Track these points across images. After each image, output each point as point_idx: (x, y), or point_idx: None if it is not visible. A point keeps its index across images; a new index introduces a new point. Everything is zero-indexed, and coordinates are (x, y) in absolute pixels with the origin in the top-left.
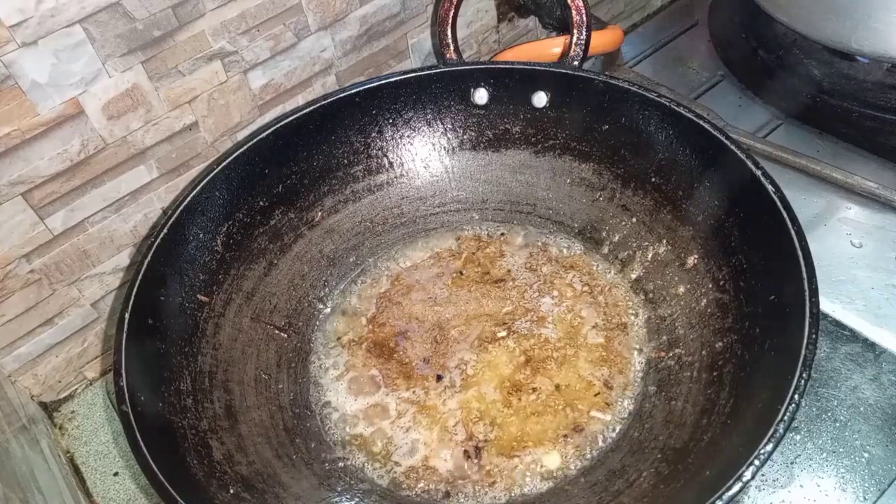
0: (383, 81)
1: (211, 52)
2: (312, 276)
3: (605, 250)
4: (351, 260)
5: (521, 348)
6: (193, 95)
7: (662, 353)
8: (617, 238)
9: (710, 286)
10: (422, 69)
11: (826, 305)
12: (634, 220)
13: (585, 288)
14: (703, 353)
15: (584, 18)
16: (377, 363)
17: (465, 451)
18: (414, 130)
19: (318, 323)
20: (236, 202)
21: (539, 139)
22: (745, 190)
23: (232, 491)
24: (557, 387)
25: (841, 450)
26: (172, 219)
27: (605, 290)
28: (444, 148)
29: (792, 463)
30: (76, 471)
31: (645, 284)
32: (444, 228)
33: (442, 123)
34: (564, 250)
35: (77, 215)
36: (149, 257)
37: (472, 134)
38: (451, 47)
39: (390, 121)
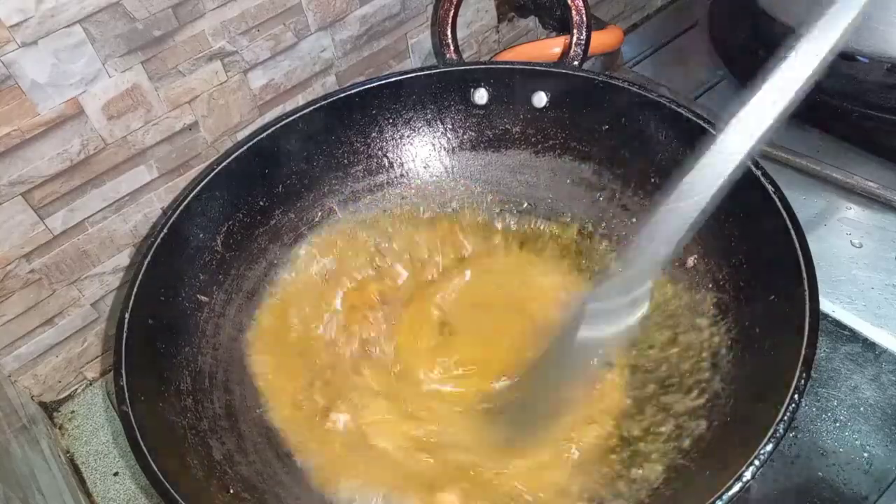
0: (383, 81)
1: (211, 52)
2: None
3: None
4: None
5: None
6: (193, 95)
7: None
8: (617, 238)
9: (710, 286)
10: (422, 69)
11: (826, 305)
12: (634, 220)
13: None
14: (704, 353)
15: (584, 18)
16: (377, 362)
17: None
18: (414, 130)
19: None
20: (236, 202)
21: (539, 139)
22: (745, 190)
23: (232, 491)
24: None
25: (841, 450)
26: (172, 219)
27: None
28: (444, 148)
29: (792, 463)
30: (76, 471)
31: None
32: (444, 229)
33: (442, 123)
34: None
35: (77, 215)
36: (149, 257)
37: (472, 134)
38: (451, 47)
39: (390, 121)
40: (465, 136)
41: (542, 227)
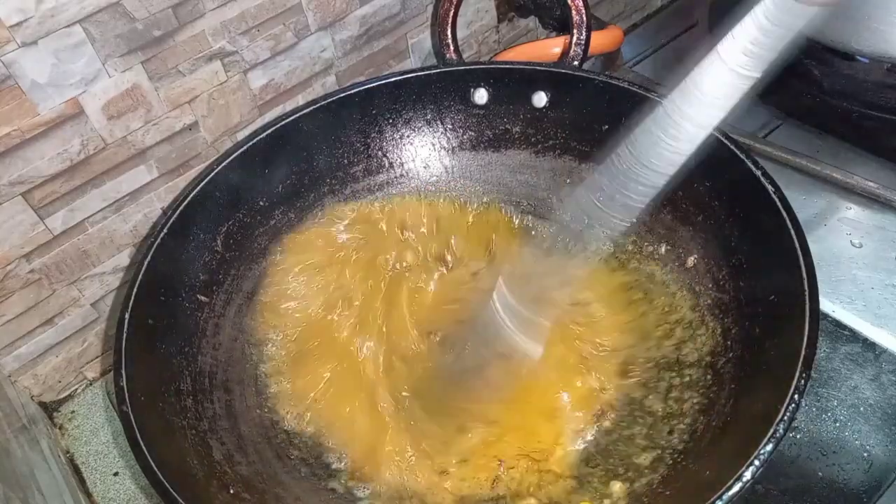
0: (383, 81)
1: (211, 52)
2: None
3: None
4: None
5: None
6: (193, 95)
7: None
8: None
9: (710, 286)
10: (422, 69)
11: (826, 305)
12: (634, 219)
13: None
14: (704, 353)
15: (584, 18)
16: (377, 363)
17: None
18: (414, 130)
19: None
20: (236, 202)
21: (539, 139)
22: (745, 190)
23: (232, 491)
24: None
25: (841, 450)
26: (172, 219)
27: None
28: (444, 148)
29: (792, 463)
30: (76, 471)
31: None
32: (444, 229)
33: (442, 123)
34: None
35: (77, 215)
36: (149, 257)
37: (472, 134)
38: (451, 47)
39: (390, 121)
40: (465, 136)
41: (542, 227)
